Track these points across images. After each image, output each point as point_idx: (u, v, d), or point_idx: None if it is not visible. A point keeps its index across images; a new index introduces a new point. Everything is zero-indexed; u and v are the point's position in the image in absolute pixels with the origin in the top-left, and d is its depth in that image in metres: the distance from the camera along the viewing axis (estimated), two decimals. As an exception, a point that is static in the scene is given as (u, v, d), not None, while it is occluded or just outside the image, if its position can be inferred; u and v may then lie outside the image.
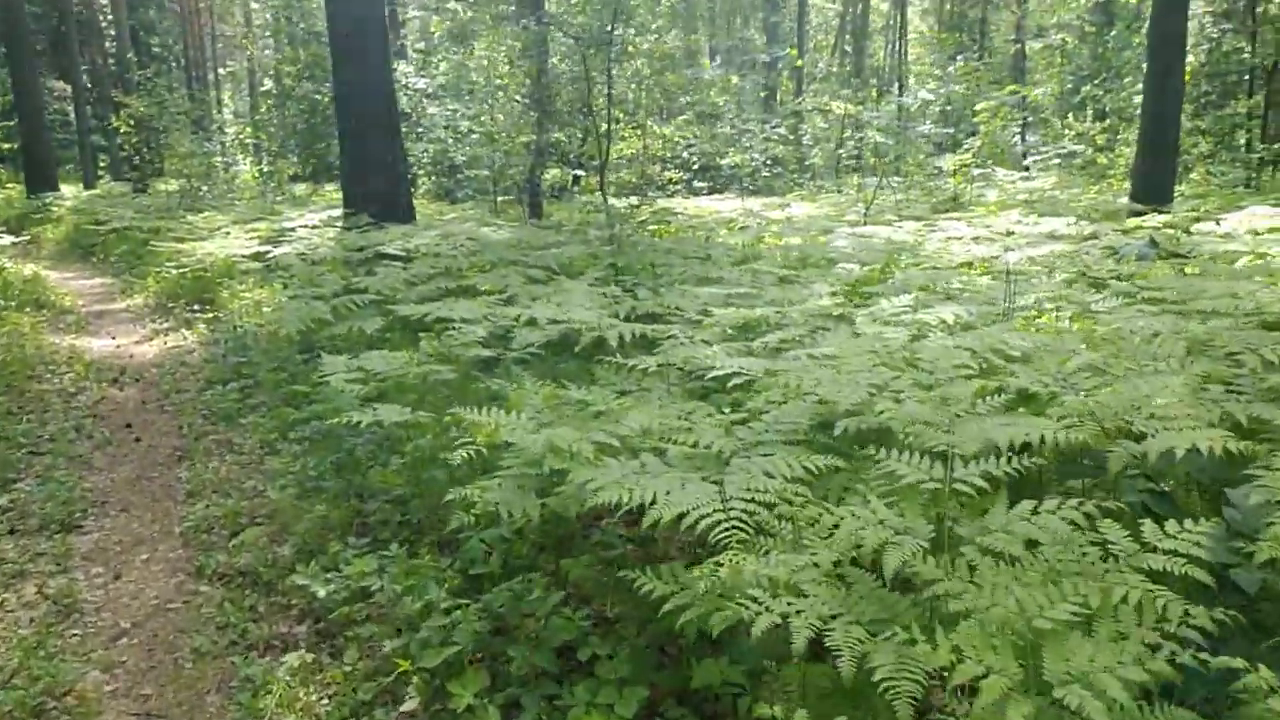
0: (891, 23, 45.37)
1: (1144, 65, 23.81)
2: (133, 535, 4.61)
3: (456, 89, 20.22)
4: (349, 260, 8.89)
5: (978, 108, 13.56)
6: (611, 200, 10.54)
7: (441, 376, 4.59)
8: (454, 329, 5.34)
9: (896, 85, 37.93)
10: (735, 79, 22.16)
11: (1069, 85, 24.68)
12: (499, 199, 14.96)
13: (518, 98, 15.77)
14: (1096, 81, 23.79)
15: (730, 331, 4.39)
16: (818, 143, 20.55)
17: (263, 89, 33.87)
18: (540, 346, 4.83)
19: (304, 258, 9.22)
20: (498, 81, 15.61)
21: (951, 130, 16.60)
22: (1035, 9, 42.77)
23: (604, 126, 9.86)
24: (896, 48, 43.16)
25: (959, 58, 30.88)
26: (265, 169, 24.01)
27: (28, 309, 10.61)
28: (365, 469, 4.55)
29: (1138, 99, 20.32)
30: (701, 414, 3.26)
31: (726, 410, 3.37)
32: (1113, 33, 36.47)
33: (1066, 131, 21.24)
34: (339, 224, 11.43)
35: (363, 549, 3.85)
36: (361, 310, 6.43)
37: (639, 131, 16.14)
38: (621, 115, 15.60)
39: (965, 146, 14.06)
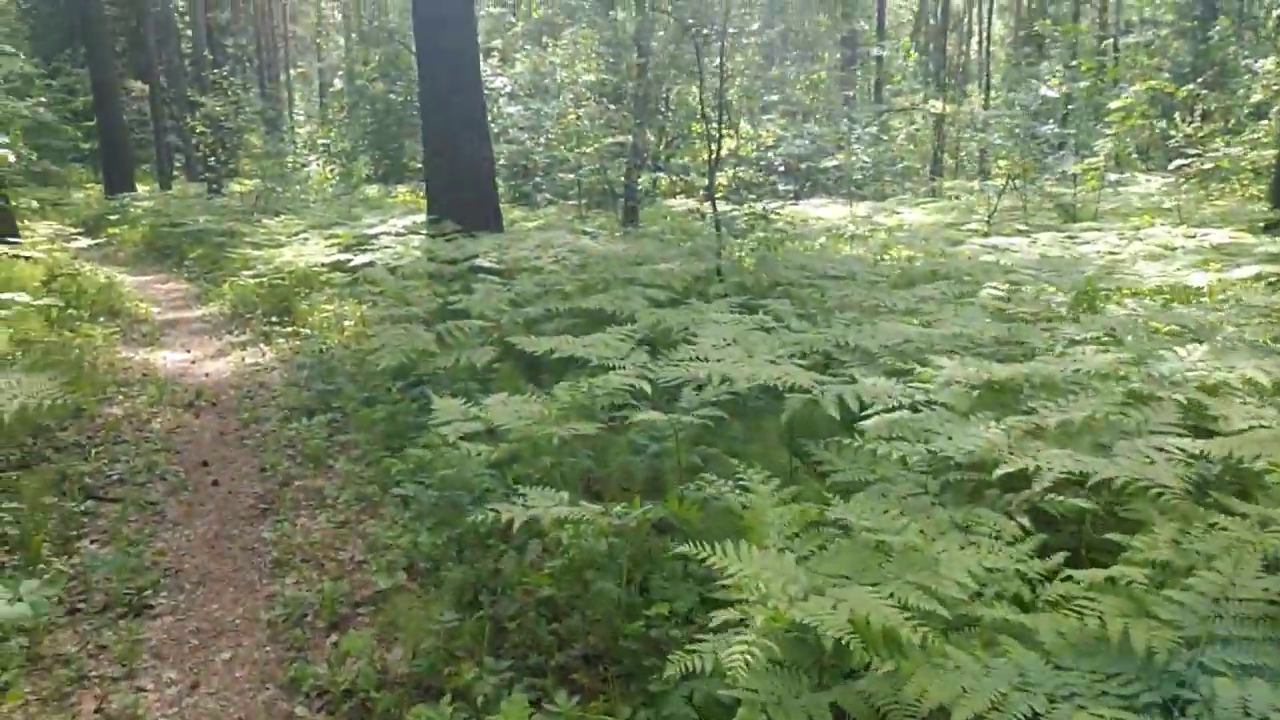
0: (967, 19, 43.72)
1: (1251, 62, 21.96)
2: (212, 622, 3.80)
3: (535, 87, 19.49)
4: (440, 274, 8.10)
5: (1113, 105, 12.31)
6: (723, 207, 9.59)
7: (580, 432, 3.68)
8: (584, 369, 4.48)
9: (983, 83, 36.31)
10: (823, 74, 21.04)
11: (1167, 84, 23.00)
12: (585, 203, 14.13)
13: (602, 97, 14.95)
14: (1200, 80, 22.11)
15: (972, 393, 3.40)
16: (916, 144, 19.33)
17: (333, 89, 33.75)
18: (715, 402, 3.89)
19: (392, 269, 8.45)
20: (588, 78, 14.76)
21: (1073, 131, 15.29)
22: (1128, 2, 40.72)
23: (714, 125, 8.94)
24: (980, 44, 41.50)
25: (1051, 55, 29.24)
26: (340, 170, 23.60)
27: (102, 318, 10.08)
28: (498, 554, 3.68)
29: (1254, 98, 18.68)
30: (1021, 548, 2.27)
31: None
32: (1216, 27, 34.32)
33: (1174, 133, 19.69)
34: (423, 231, 10.69)
35: (504, 675, 2.96)
36: (468, 339, 5.60)
37: (731, 131, 15.17)
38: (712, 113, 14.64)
39: (1097, 147, 12.79)
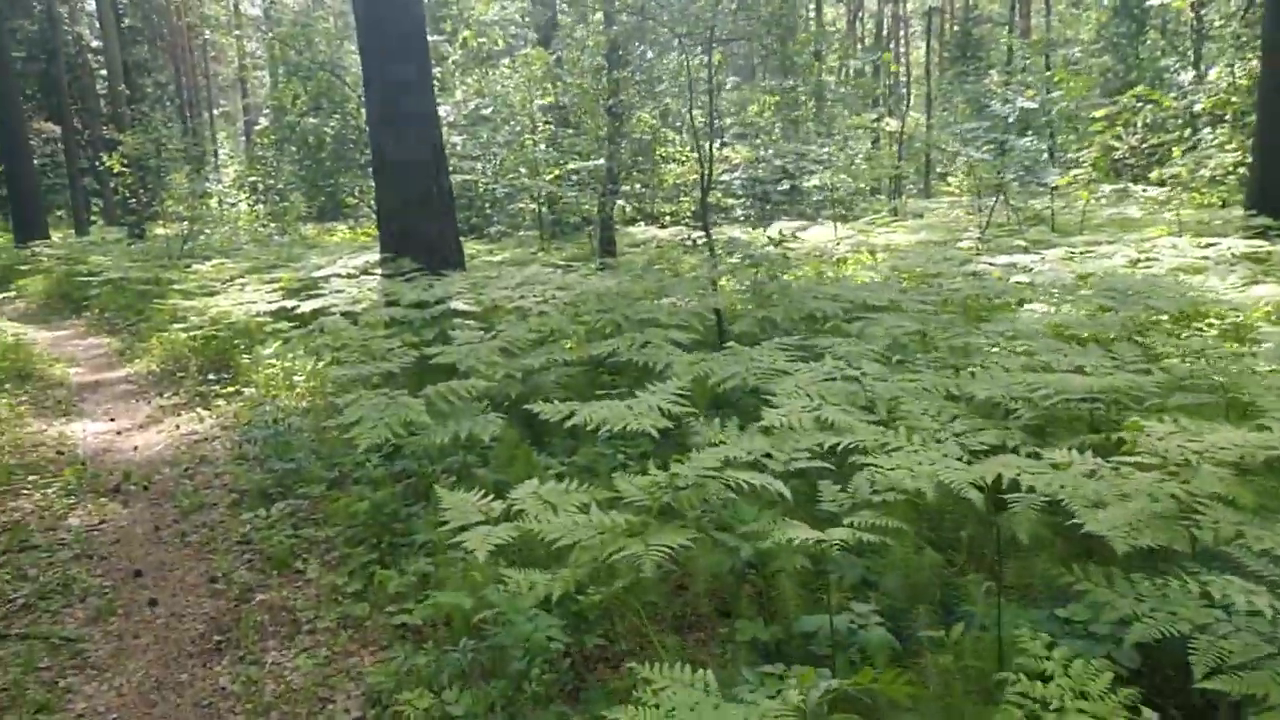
0: (894, 40, 44.13)
1: (1189, 69, 21.99)
2: (157, 838, 2.70)
3: (476, 116, 18.48)
4: (408, 320, 7.03)
5: (1096, 114, 11.84)
6: (719, 232, 8.68)
7: (667, 549, 2.68)
8: (618, 436, 3.49)
9: (908, 102, 36.41)
10: (775, 97, 20.46)
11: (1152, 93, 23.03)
12: (546, 234, 13.13)
13: (563, 121, 14.01)
14: (1132, 93, 22.20)
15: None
16: (874, 163, 18.78)
17: (257, 127, 32.26)
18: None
19: (351, 316, 7.37)
20: (543, 101, 13.79)
21: (1050, 143, 14.85)
22: (1055, 22, 41.56)
23: (705, 145, 8.06)
24: (907, 63, 41.76)
25: (968, 75, 29.26)
26: (272, 208, 22.27)
27: (7, 385, 8.75)
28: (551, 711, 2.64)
29: (1191, 106, 18.60)
30: None
31: None
32: (1146, 40, 35.06)
33: (1118, 144, 19.55)
34: (378, 271, 9.60)
35: None
36: (464, 406, 4.57)
37: (694, 154, 14.34)
38: (673, 135, 13.82)
39: (1080, 159, 12.30)
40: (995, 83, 30.68)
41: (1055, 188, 12.48)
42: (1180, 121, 19.52)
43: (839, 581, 3.16)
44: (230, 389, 8.05)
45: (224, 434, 6.97)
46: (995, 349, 4.43)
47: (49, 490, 5.85)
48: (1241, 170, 14.54)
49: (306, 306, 8.88)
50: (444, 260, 9.99)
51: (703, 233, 7.87)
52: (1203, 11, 23.16)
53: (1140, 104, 14.15)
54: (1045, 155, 13.70)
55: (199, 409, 7.76)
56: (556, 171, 12.65)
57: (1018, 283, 7.25)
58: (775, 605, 3.13)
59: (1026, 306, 6.75)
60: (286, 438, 5.88)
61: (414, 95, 9.80)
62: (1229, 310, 5.88)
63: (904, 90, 39.51)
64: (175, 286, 11.95)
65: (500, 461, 4.56)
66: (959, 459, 2.74)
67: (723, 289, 7.82)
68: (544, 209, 13.14)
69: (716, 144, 15.72)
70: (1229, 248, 9.04)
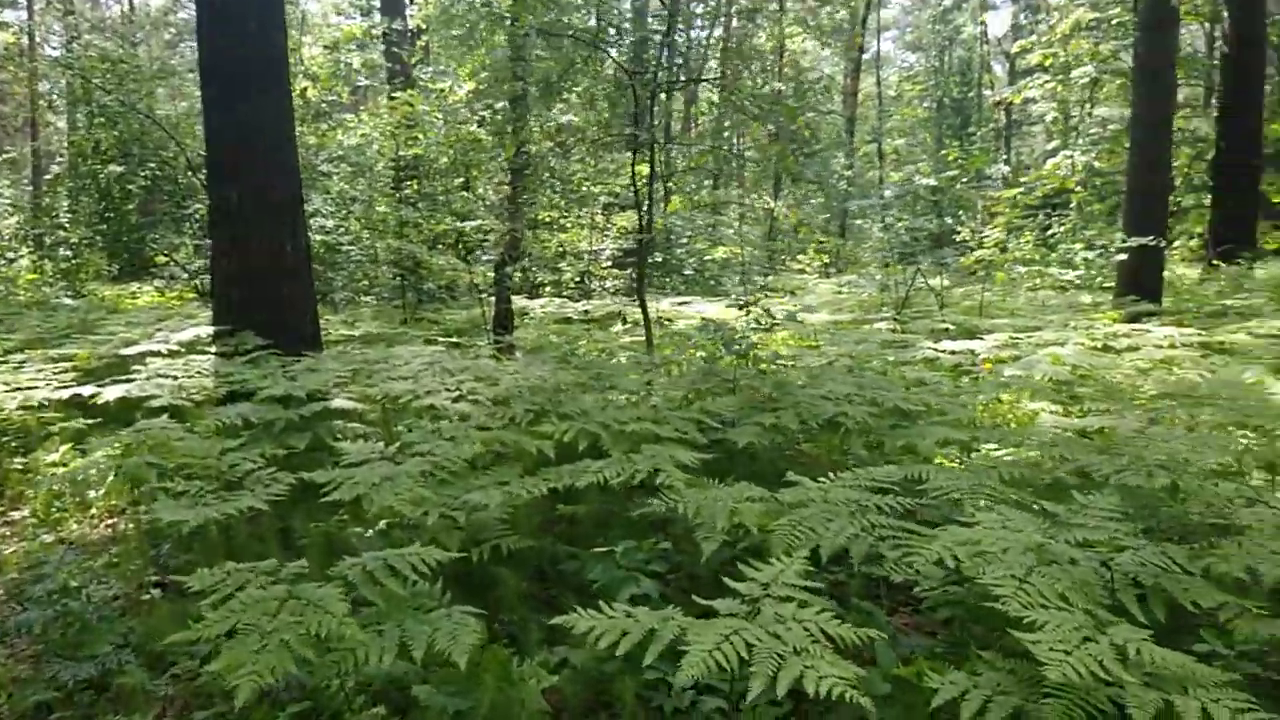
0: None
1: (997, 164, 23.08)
2: None
3: (316, 173, 16.39)
4: (269, 422, 5.09)
5: (999, 195, 11.45)
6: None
7: None
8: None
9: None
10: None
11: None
12: (410, 304, 11.24)
13: (406, 173, 12.27)
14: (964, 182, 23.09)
15: None
16: (744, 239, 18.08)
17: (49, 175, 28.37)
18: None
19: (180, 415, 5.35)
20: (409, 152, 11.94)
21: (948, 220, 14.52)
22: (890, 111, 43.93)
23: (645, 201, 6.67)
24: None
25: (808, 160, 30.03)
26: (61, 264, 19.05)
27: None
28: None
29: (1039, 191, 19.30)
30: None
31: None
32: (973, 132, 37.27)
33: (961, 230, 19.97)
34: (211, 349, 7.49)
35: None
36: (404, 595, 2.80)
37: (582, 218, 12.99)
38: (552, 197, 12.45)
39: (986, 237, 11.86)
40: (841, 165, 31.49)
41: (984, 270, 11.94)
42: (1023, 209, 20.18)
43: None
44: (-5, 512, 5.75)
45: (-20, 590, 4.73)
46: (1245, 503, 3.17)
47: None
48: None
49: (111, 393, 6.65)
50: (298, 336, 8.00)
51: (642, 310, 6.39)
52: (1035, 104, 24.53)
53: (1026, 190, 14.35)
54: (946, 233, 13.28)
55: (-61, 546, 5.41)
56: (427, 230, 10.90)
57: (1013, 376, 6.18)
58: None
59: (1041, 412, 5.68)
60: (83, 613, 3.81)
61: (271, 134, 7.91)
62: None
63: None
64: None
65: (458, 681, 2.80)
66: None
67: (670, 371, 6.35)
68: (407, 276, 11.30)
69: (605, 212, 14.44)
70: (1168, 337, 8.51)
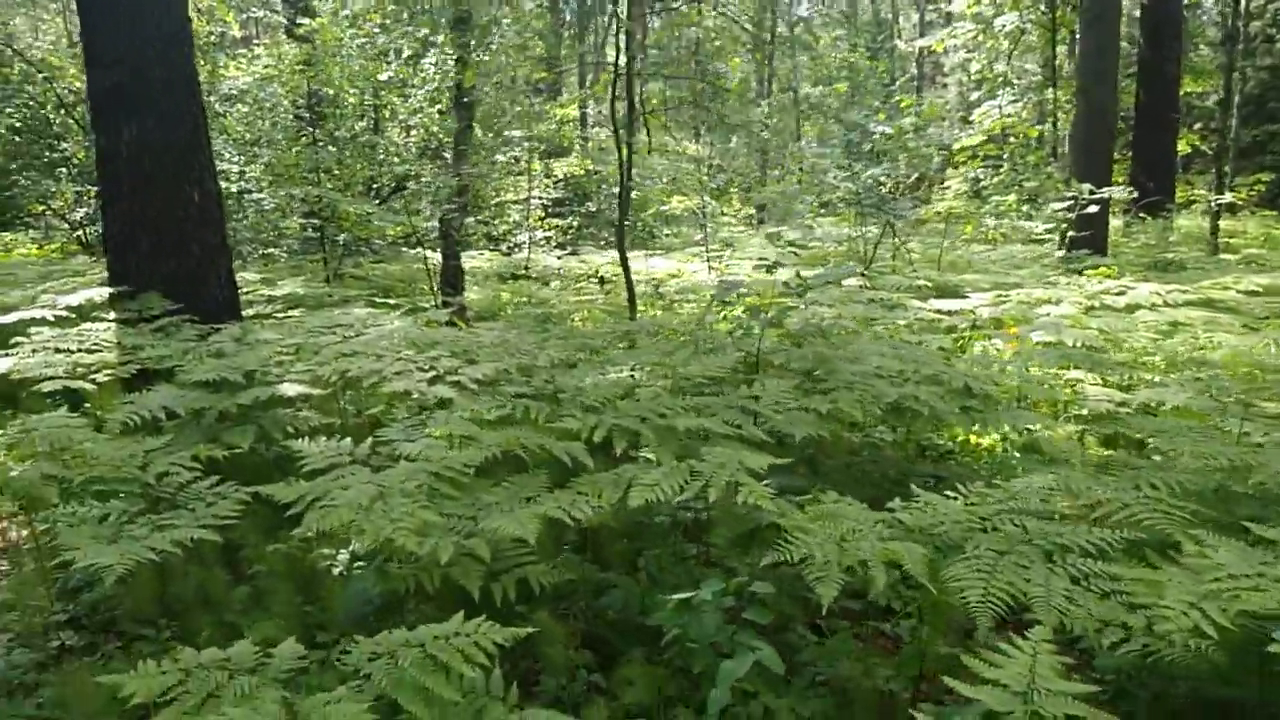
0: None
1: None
2: None
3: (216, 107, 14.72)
4: (198, 413, 4.11)
5: (958, 145, 10.94)
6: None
7: None
8: None
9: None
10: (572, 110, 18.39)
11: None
12: (335, 259, 10.00)
13: (317, 110, 10.99)
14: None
15: None
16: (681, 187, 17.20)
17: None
18: None
19: (84, 406, 4.33)
20: (352, 100, 10.55)
21: (907, 172, 13.92)
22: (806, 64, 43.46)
23: (624, 149, 5.81)
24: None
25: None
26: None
27: None
28: None
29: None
30: None
31: None
32: (890, 83, 37.25)
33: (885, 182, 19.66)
34: (110, 315, 6.33)
35: None
36: (473, 696, 1.98)
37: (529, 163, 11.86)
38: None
39: (947, 189, 11.35)
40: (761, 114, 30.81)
41: (944, 223, 11.42)
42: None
43: None
44: None
45: None
46: None
47: None
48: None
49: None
50: (214, 299, 6.91)
51: (624, 269, 5.56)
52: (968, 56, 24.26)
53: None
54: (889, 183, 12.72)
55: None
56: (344, 177, 9.67)
57: (1039, 346, 5.61)
58: None
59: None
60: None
61: (170, 58, 6.69)
62: None
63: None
64: None
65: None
66: None
67: (668, 339, 5.55)
68: (323, 227, 10.07)
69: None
70: (1154, 293, 8.14)
